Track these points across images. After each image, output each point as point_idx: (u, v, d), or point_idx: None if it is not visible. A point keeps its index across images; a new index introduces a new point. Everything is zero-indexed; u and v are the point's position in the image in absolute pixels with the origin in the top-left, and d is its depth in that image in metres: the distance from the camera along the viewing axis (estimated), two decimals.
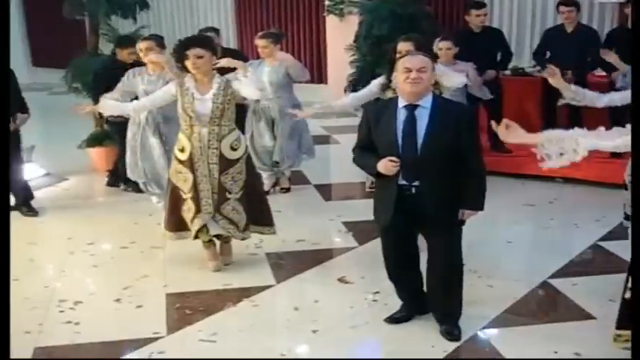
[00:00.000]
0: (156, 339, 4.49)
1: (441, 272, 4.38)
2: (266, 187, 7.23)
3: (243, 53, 7.36)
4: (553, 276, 5.29)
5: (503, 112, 8.48)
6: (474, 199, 4.22)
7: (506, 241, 6.03)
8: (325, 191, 7.60)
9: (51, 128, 7.26)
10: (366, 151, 4.34)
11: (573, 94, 4.98)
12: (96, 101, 6.80)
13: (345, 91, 9.16)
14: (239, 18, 13.55)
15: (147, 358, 4.32)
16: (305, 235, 6.18)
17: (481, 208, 4.24)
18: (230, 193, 5.28)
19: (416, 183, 4.16)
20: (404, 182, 4.17)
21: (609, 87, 6.75)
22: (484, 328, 4.53)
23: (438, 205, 4.17)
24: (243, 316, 4.83)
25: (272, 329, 4.64)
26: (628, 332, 3.74)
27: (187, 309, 4.91)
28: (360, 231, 6.27)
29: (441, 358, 4.22)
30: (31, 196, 7.19)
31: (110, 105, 5.92)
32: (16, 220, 6.86)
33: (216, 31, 8.04)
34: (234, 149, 5.28)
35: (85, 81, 8.15)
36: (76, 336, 4.58)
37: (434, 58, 4.84)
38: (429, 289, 4.50)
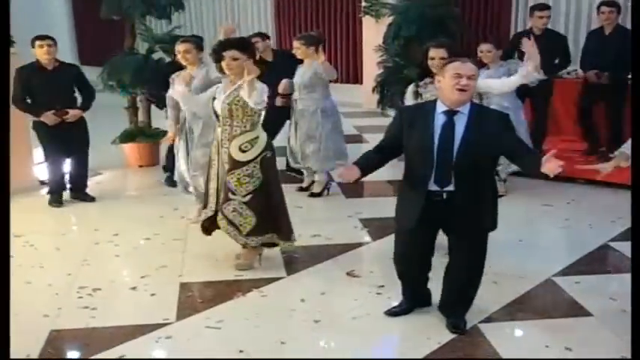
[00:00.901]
0: (164, 325, 4.69)
1: (464, 274, 4.47)
2: (304, 184, 7.59)
3: (294, 56, 7.53)
4: (558, 274, 5.37)
5: (548, 115, 8.59)
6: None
7: (518, 240, 6.10)
8: (347, 189, 7.74)
9: (89, 124, 7.55)
10: (377, 154, 4.45)
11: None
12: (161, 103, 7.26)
13: (374, 91, 9.33)
14: (278, 19, 13.79)
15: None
16: (321, 230, 6.34)
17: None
18: (234, 194, 5.34)
19: (448, 188, 4.20)
20: (435, 188, 4.21)
21: None
22: (482, 321, 4.63)
23: (469, 210, 4.22)
24: (251, 305, 5.00)
25: (276, 318, 4.78)
26: None
27: (198, 298, 5.12)
28: (376, 228, 6.45)
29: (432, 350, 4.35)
30: (64, 188, 7.55)
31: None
32: (47, 211, 7.23)
33: (262, 35, 8.34)
34: (242, 151, 5.28)
35: (120, 79, 8.47)
36: (90, 320, 4.80)
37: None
38: (446, 289, 4.59)
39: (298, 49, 7.23)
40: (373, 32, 11.39)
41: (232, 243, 5.58)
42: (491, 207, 4.38)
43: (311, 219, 6.61)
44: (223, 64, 5.26)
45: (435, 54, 5.32)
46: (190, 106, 5.95)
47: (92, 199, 7.51)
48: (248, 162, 5.30)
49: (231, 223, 5.40)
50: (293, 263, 5.70)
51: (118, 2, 8.54)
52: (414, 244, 4.47)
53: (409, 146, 4.29)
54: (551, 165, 3.84)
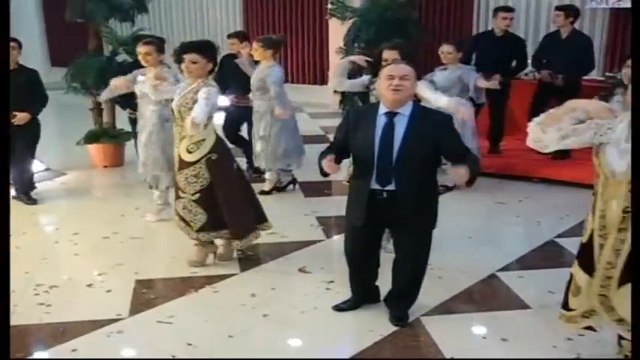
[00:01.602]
0: (117, 320, 4.81)
1: (406, 271, 4.62)
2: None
3: None
4: (502, 269, 5.55)
5: (505, 115, 8.78)
6: (471, 166, 4.14)
7: (468, 237, 6.27)
8: (307, 188, 7.90)
9: (55, 125, 7.65)
10: (331, 153, 4.50)
11: None
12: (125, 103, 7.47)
13: (335, 92, 9.49)
14: (246, 20, 13.91)
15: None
16: (277, 228, 6.36)
17: (473, 178, 4.16)
18: (183, 192, 5.48)
19: (388, 187, 4.34)
20: (377, 187, 4.36)
21: None
22: (424, 314, 4.79)
23: (410, 209, 4.34)
24: (203, 300, 5.14)
25: (226, 313, 4.91)
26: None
27: (152, 294, 5.24)
28: (330, 225, 6.64)
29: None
30: (32, 188, 7.64)
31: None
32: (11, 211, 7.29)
33: (238, 35, 8.56)
34: (189, 152, 5.40)
35: (84, 81, 8.57)
36: (45, 316, 4.91)
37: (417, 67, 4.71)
38: (393, 284, 4.75)
39: (256, 50, 7.36)
40: (339, 34, 11.47)
41: (188, 241, 5.71)
42: (432, 206, 4.52)
43: (268, 216, 6.73)
44: (183, 66, 5.39)
45: (389, 55, 5.46)
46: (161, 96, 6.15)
47: (34, 202, 7.49)
48: (194, 163, 5.41)
49: (182, 219, 5.56)
50: (247, 260, 5.83)
51: (81, 5, 8.62)
52: (359, 242, 4.63)
53: (353, 147, 4.45)
54: (453, 176, 4.27)
